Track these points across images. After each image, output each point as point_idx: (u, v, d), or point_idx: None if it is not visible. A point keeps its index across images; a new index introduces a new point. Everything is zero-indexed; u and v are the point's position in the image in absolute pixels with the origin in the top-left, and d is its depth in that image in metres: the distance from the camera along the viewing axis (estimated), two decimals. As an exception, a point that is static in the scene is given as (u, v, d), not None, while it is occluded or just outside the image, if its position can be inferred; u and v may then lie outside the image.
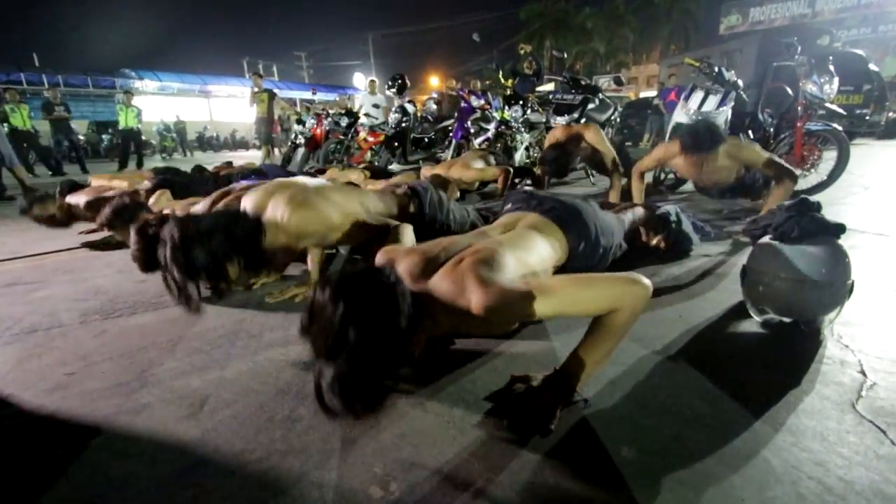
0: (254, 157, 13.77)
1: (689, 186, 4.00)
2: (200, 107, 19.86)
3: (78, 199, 2.66)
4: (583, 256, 1.35)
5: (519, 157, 4.97)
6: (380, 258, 1.12)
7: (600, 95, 4.54)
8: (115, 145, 12.82)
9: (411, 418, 0.98)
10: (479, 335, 1.24)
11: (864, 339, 1.26)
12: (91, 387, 1.13)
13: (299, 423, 0.97)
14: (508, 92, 4.87)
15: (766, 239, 1.37)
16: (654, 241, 2.08)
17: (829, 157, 3.39)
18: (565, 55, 7.49)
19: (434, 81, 35.26)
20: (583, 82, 4.46)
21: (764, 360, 1.18)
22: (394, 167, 6.09)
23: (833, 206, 3.20)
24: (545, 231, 1.27)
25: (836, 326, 1.33)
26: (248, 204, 1.46)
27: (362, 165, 5.46)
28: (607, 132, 5.13)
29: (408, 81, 6.38)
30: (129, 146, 9.00)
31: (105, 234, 2.89)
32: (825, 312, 1.32)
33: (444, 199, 1.91)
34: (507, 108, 4.64)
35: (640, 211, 2.07)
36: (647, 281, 0.91)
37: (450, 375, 1.14)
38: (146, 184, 3.14)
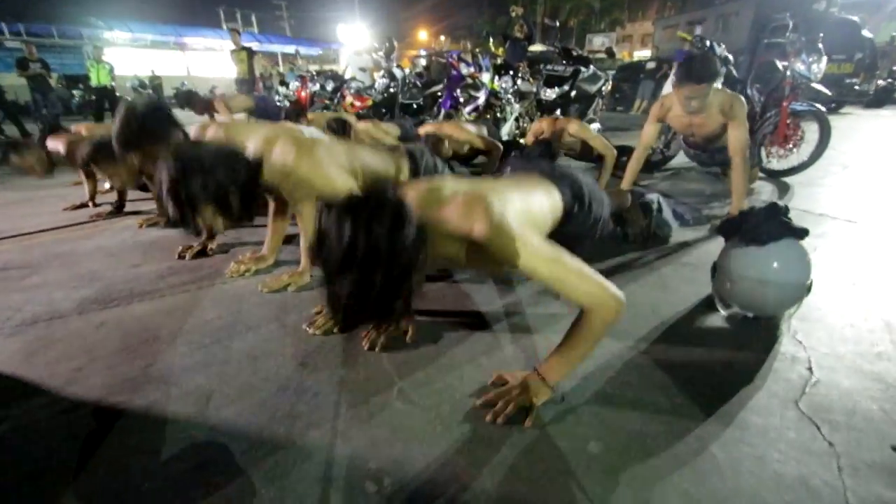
0: (235, 116, 13.30)
1: (675, 162, 4.06)
2: (177, 61, 18.86)
3: (57, 145, 2.62)
4: (577, 219, 1.41)
5: (509, 127, 4.93)
6: None
7: (591, 67, 4.48)
8: (87, 102, 12.25)
9: (402, 414, 1.07)
10: (472, 267, 1.27)
11: (817, 335, 1.38)
12: (99, 382, 1.20)
13: (299, 420, 1.05)
14: (499, 61, 4.76)
15: (735, 240, 1.46)
16: (635, 229, 2.16)
17: (812, 137, 3.45)
18: (557, 24, 7.25)
19: (423, 35, 33.81)
20: (574, 53, 4.39)
21: (724, 358, 1.29)
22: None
23: (810, 187, 3.31)
24: (542, 186, 1.33)
25: (794, 321, 1.45)
26: (251, 142, 1.50)
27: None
28: (598, 103, 5.12)
29: (395, 43, 6.17)
30: (103, 105, 8.61)
31: (91, 208, 2.88)
32: (785, 309, 1.44)
33: (439, 165, 1.92)
34: (497, 78, 4.55)
35: (623, 195, 2.14)
36: (623, 299, 0.99)
37: (439, 370, 1.23)
38: None
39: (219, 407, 1.11)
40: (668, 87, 3.88)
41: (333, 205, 0.85)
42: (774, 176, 3.57)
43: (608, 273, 1.80)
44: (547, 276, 0.97)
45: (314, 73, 7.30)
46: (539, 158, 1.55)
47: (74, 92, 13.63)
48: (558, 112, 4.20)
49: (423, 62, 9.78)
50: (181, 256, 2.05)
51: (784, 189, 3.29)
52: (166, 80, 16.20)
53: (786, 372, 1.21)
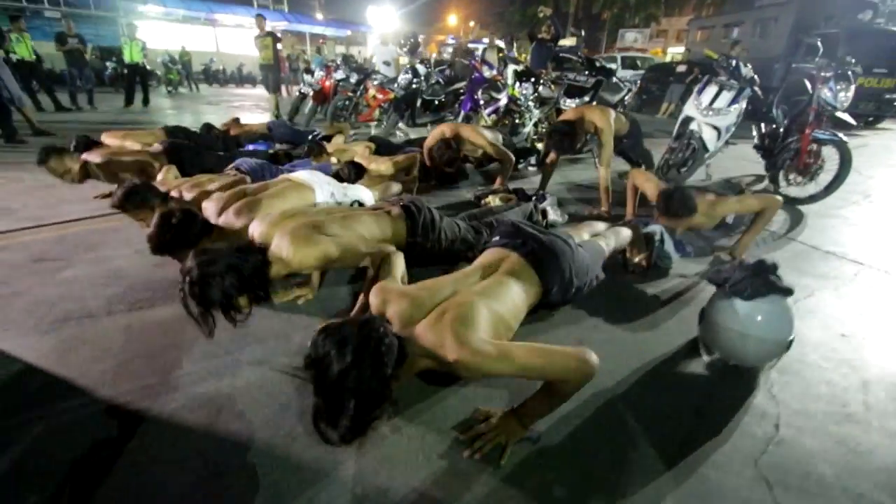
0: (260, 95, 13.47)
1: (694, 179, 4.01)
2: (206, 36, 19.06)
3: (94, 158, 2.79)
4: (557, 294, 1.51)
5: (527, 132, 4.94)
6: (373, 299, 1.27)
7: (614, 78, 4.44)
8: (119, 75, 12.54)
9: (389, 443, 1.18)
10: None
11: (793, 389, 1.44)
12: (125, 387, 1.34)
13: (297, 441, 1.17)
14: (521, 68, 4.75)
15: (723, 290, 1.51)
16: (637, 259, 2.22)
17: (831, 167, 3.40)
18: (583, 33, 7.14)
19: (453, 20, 33.31)
20: (597, 64, 4.36)
21: (698, 406, 1.36)
22: (399, 134, 6.05)
23: (824, 218, 3.28)
24: (522, 276, 1.42)
25: (773, 373, 1.51)
26: (255, 232, 1.64)
27: (370, 134, 5.46)
28: (619, 113, 5.07)
29: (420, 40, 6.17)
30: (134, 80, 8.85)
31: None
32: (764, 363, 1.50)
33: (436, 219, 1.98)
34: (518, 84, 4.56)
35: (626, 233, 2.18)
36: (595, 361, 1.07)
37: (427, 400, 1.33)
38: (157, 147, 3.24)
39: (228, 421, 1.23)
40: (689, 106, 3.85)
41: (329, 331, 0.98)
42: (791, 203, 3.54)
43: (605, 306, 1.89)
44: (520, 374, 1.07)
45: (338, 62, 7.35)
46: (521, 234, 1.59)
47: (108, 64, 13.93)
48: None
49: (449, 50, 9.75)
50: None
51: (797, 219, 3.27)
52: (195, 56, 16.42)
53: (753, 427, 1.28)
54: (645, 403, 1.36)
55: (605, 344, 1.66)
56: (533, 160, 4.40)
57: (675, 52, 24.78)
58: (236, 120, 4.95)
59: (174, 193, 2.49)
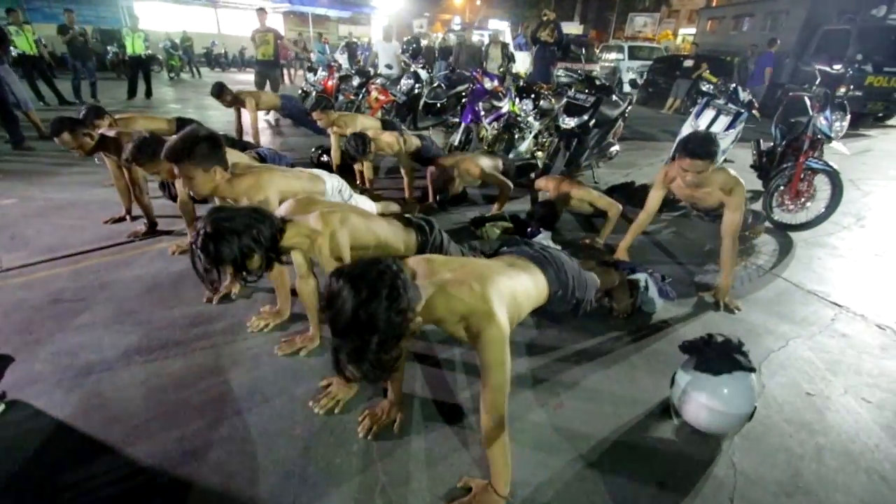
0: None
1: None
2: (208, 18, 18.74)
3: (108, 132, 2.91)
4: (560, 302, 1.65)
5: (527, 146, 4.99)
6: None
7: (613, 96, 4.46)
8: (120, 61, 12.48)
9: (382, 514, 1.33)
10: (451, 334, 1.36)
11: (751, 457, 1.58)
12: (144, 451, 1.49)
13: (300, 513, 1.32)
14: (521, 83, 4.76)
15: (692, 365, 1.63)
16: (622, 305, 2.33)
17: (823, 196, 3.46)
18: (584, 50, 7.06)
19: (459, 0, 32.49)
20: (597, 82, 4.38)
21: (661, 474, 1.50)
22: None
23: (812, 247, 3.38)
24: (532, 272, 1.55)
25: (737, 438, 1.64)
26: (282, 208, 1.76)
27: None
28: (619, 126, 5.10)
29: (423, 44, 6.14)
30: (136, 74, 8.85)
31: (128, 222, 3.16)
32: (727, 433, 1.63)
33: (445, 241, 2.09)
34: (518, 100, 4.58)
35: (612, 275, 2.28)
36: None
37: (417, 466, 1.48)
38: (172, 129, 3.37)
39: (240, 488, 1.38)
40: (686, 129, 3.89)
41: (343, 272, 1.01)
42: (781, 228, 3.62)
43: (588, 359, 2.02)
44: (489, 362, 1.17)
45: (340, 63, 7.32)
46: (528, 245, 1.74)
47: (109, 48, 13.83)
48: (575, 140, 4.24)
49: (456, 31, 9.63)
50: (209, 300, 2.31)
51: (786, 248, 3.36)
52: (197, 39, 16.22)
53: (709, 499, 1.42)
54: (614, 472, 1.50)
55: (587, 403, 1.79)
56: (533, 175, 4.46)
57: (687, 33, 24.20)
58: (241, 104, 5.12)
59: None
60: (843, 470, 1.55)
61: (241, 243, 1.40)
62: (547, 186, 3.31)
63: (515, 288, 1.37)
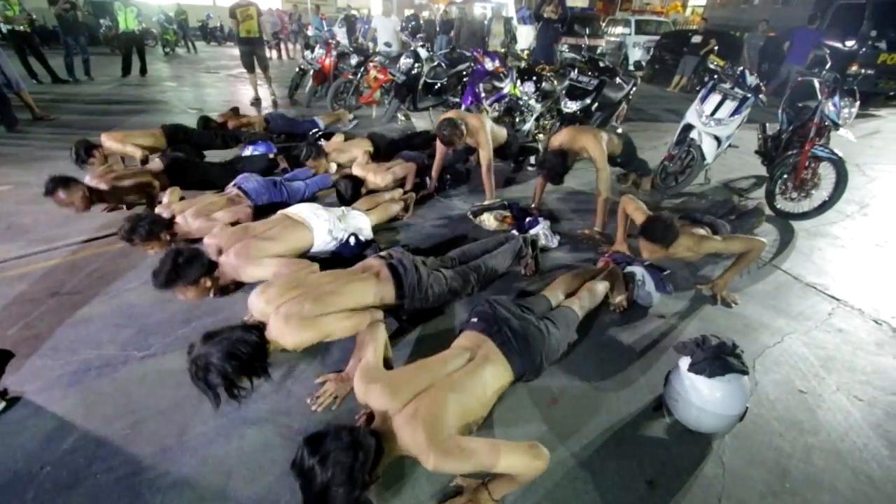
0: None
1: (689, 188, 4.00)
2: (202, -12, 18.21)
3: (97, 184, 2.87)
4: (528, 377, 1.68)
5: (529, 127, 4.90)
6: (358, 384, 1.45)
7: (617, 78, 4.35)
8: (114, 35, 12.17)
9: (376, 513, 1.36)
10: None
11: (741, 455, 1.61)
12: (145, 450, 1.52)
13: (296, 512, 1.35)
14: (523, 65, 4.63)
15: (685, 366, 1.64)
16: (618, 300, 2.33)
17: (827, 185, 3.41)
18: (587, 31, 6.83)
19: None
20: (601, 63, 4.25)
21: (652, 476, 1.53)
22: (401, 118, 5.98)
23: (813, 237, 3.35)
24: (496, 363, 1.58)
25: (727, 437, 1.66)
26: (253, 309, 1.78)
27: (370, 115, 5.42)
28: (622, 108, 5.00)
29: (422, 22, 5.95)
30: (131, 51, 8.64)
31: (125, 211, 3.14)
32: (718, 433, 1.65)
33: (423, 277, 2.04)
34: (520, 82, 4.47)
35: (601, 289, 2.22)
36: (546, 455, 1.25)
37: (412, 463, 1.51)
38: (157, 163, 3.28)
39: (238, 487, 1.42)
40: (691, 113, 3.80)
41: (315, 445, 1.12)
42: (783, 217, 3.58)
43: (583, 355, 2.03)
44: (481, 471, 1.24)
45: (338, 40, 7.11)
46: (497, 321, 1.73)
47: (101, 21, 13.47)
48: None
49: (458, 3, 9.32)
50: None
51: (787, 238, 3.33)
52: (191, 11, 15.78)
53: (697, 498, 1.45)
54: (604, 470, 1.53)
55: (580, 400, 1.81)
56: (533, 160, 4.40)
57: (697, 3, 23.34)
58: (234, 110, 4.94)
59: (179, 220, 2.60)
60: (830, 469, 1.58)
61: (228, 372, 1.45)
62: (560, 139, 3.16)
63: (468, 404, 1.40)
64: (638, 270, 2.37)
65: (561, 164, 3.04)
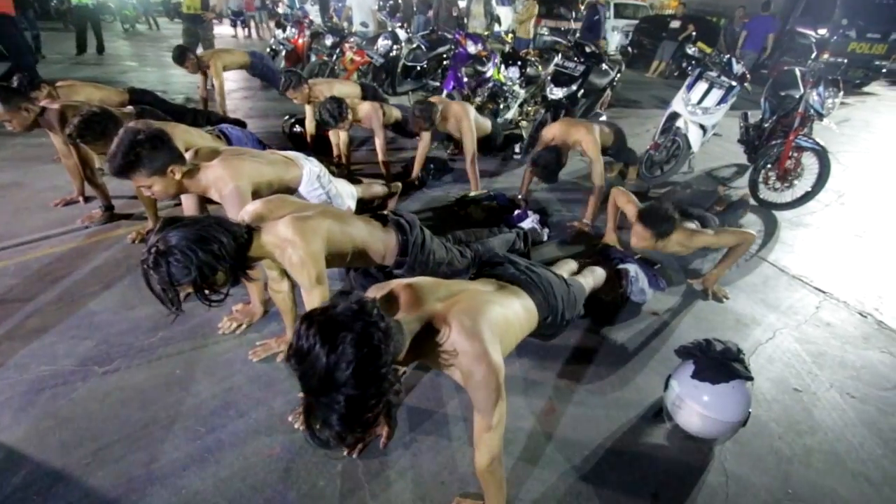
0: (227, 35, 12.38)
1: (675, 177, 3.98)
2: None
3: (51, 104, 2.58)
4: (548, 327, 1.59)
5: (512, 114, 4.78)
6: (373, 291, 1.22)
7: (603, 64, 4.25)
8: (67, 10, 11.30)
9: (370, 544, 1.26)
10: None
11: (743, 461, 1.57)
12: (109, 483, 1.36)
13: (282, 547, 1.24)
14: (507, 49, 4.48)
15: (688, 371, 1.58)
16: (611, 298, 2.27)
17: (810, 175, 3.42)
18: (574, 13, 6.66)
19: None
20: (587, 49, 4.14)
21: (655, 488, 1.48)
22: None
23: (796, 227, 3.39)
24: (522, 299, 1.47)
25: (728, 443, 1.63)
26: (248, 210, 1.54)
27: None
28: (607, 95, 4.92)
29: (400, 2, 5.69)
30: (85, 26, 7.99)
31: (82, 204, 2.88)
32: (720, 440, 1.61)
33: (427, 240, 1.94)
34: (503, 67, 4.32)
35: (600, 271, 2.21)
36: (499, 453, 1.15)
37: (406, 485, 1.41)
38: (129, 109, 3.02)
39: (213, 521, 1.29)
40: (677, 101, 3.75)
41: (314, 319, 0.86)
42: (766, 207, 3.60)
43: (579, 359, 1.96)
44: (482, 405, 1.07)
45: (311, 19, 6.77)
46: (513, 264, 1.62)
47: (54, -6, 12.49)
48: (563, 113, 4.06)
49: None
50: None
51: (771, 229, 3.35)
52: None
53: (703, 511, 1.41)
54: (607, 485, 1.47)
55: (578, 407, 1.75)
56: (517, 147, 4.29)
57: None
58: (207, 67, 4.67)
59: None
60: (830, 472, 1.56)
61: (199, 260, 1.20)
62: (551, 132, 3.06)
63: (508, 316, 1.27)
64: (631, 267, 2.31)
65: (556, 160, 2.92)
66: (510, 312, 1.30)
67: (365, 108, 3.30)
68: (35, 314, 2.01)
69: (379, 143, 3.29)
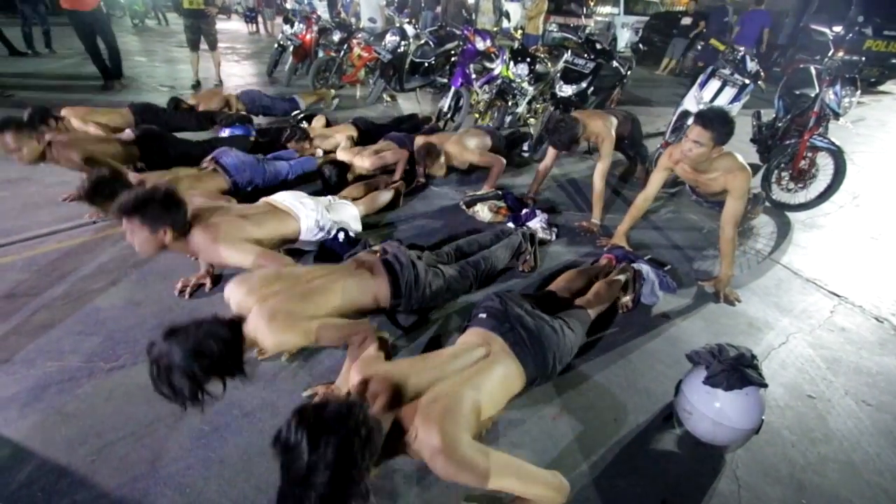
0: (236, 32, 12.39)
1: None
2: (171, -45, 17.09)
3: (58, 140, 2.61)
4: (538, 382, 1.55)
5: (520, 111, 4.73)
6: (356, 375, 1.26)
7: (614, 62, 4.19)
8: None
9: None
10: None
11: (755, 470, 1.54)
12: (113, 481, 1.36)
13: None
14: (516, 45, 4.42)
15: (699, 377, 1.55)
16: (624, 300, 2.23)
17: (825, 175, 3.35)
18: (584, 9, 6.58)
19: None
20: (598, 46, 4.08)
21: (665, 492, 1.45)
22: (386, 98, 5.73)
23: (810, 229, 3.31)
24: (508, 365, 1.43)
25: (740, 451, 1.59)
26: (231, 299, 1.55)
27: (355, 95, 5.19)
28: (617, 92, 4.86)
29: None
30: (93, 36, 7.67)
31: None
32: (733, 445, 1.57)
33: (420, 275, 1.89)
34: (512, 64, 4.27)
35: (613, 288, 2.12)
36: (566, 486, 1.14)
37: (409, 484, 1.39)
38: (128, 133, 3.04)
39: (217, 521, 1.28)
40: (689, 99, 3.68)
41: (304, 416, 0.92)
42: (779, 208, 3.53)
43: (585, 354, 1.93)
44: (494, 489, 1.09)
45: (319, 14, 6.73)
46: (508, 318, 1.57)
47: (62, -12, 12.55)
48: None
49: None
50: (181, 293, 2.13)
51: (784, 231, 3.29)
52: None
53: (715, 521, 1.38)
54: (616, 490, 1.44)
55: (587, 411, 1.72)
56: (526, 146, 4.25)
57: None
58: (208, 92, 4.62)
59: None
60: (845, 483, 1.52)
61: (197, 377, 1.24)
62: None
63: (481, 402, 1.25)
64: (643, 268, 2.27)
65: (573, 126, 2.84)
66: (486, 396, 1.28)
67: (364, 162, 3.23)
68: (42, 309, 2.01)
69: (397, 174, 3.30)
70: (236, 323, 1.43)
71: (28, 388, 1.64)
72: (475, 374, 1.34)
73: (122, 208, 1.65)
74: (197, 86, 5.95)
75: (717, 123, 2.19)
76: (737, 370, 1.48)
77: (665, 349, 2.05)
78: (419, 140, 3.28)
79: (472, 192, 3.23)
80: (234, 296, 1.56)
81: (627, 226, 2.70)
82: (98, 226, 2.68)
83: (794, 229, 3.31)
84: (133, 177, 2.47)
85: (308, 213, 2.27)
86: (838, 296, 2.54)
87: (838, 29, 8.94)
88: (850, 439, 1.68)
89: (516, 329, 1.51)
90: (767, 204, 3.47)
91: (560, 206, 3.36)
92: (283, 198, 2.31)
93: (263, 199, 2.33)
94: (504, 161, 3.30)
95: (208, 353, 1.26)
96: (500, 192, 3.19)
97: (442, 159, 3.18)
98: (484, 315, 1.59)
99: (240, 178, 2.77)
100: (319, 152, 3.51)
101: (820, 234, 3.28)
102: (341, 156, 3.30)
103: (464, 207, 3.13)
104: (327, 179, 3.07)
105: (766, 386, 1.49)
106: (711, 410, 1.50)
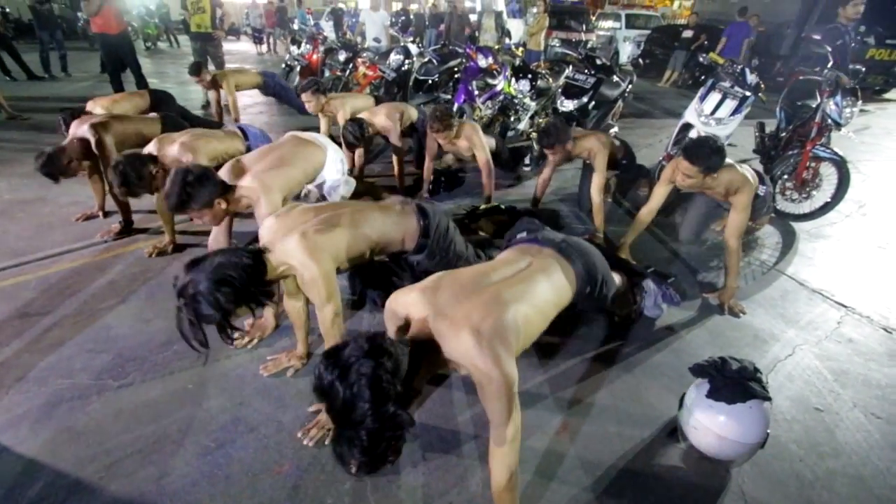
0: (246, 52, 12.72)
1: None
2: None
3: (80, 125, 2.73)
4: (587, 299, 1.55)
5: (523, 126, 4.78)
6: (390, 303, 1.31)
7: (614, 76, 4.24)
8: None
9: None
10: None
11: (762, 486, 1.52)
12: (121, 497, 1.38)
13: (289, 566, 1.23)
14: (518, 62, 4.50)
15: (703, 390, 1.54)
16: (626, 312, 2.23)
17: (828, 186, 3.35)
18: (584, 26, 6.70)
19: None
20: (598, 61, 4.14)
21: (670, 509, 1.44)
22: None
23: (816, 239, 3.30)
24: (555, 271, 1.43)
25: (746, 465, 1.57)
26: (264, 229, 1.63)
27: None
28: (619, 106, 4.90)
29: (412, 17, 5.79)
30: (117, 61, 7.67)
31: (101, 219, 2.96)
32: (739, 460, 1.56)
33: (451, 228, 1.97)
34: (514, 80, 4.34)
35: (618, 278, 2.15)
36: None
37: (416, 502, 1.40)
38: (154, 115, 3.24)
39: (222, 538, 1.29)
40: (690, 112, 3.71)
41: (333, 360, 0.97)
42: (782, 217, 3.52)
43: (589, 367, 1.93)
44: (495, 417, 1.08)
45: (325, 35, 6.91)
46: (548, 232, 1.59)
47: (79, 14, 13.03)
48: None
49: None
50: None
51: (789, 241, 3.28)
52: (173, 4, 15.24)
53: (721, 537, 1.36)
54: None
55: (591, 425, 1.71)
56: (527, 160, 4.29)
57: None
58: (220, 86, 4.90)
59: (171, 149, 2.43)
60: (855, 498, 1.50)
61: (223, 302, 1.28)
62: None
63: (528, 314, 1.24)
64: (645, 280, 2.27)
65: (561, 130, 2.91)
66: (531, 306, 1.25)
67: (381, 120, 3.36)
68: (54, 328, 2.06)
69: (396, 157, 3.36)
70: (257, 252, 1.46)
71: (40, 405, 1.67)
72: (521, 283, 1.32)
73: (174, 207, 1.80)
74: (207, 106, 6.10)
75: (704, 157, 2.17)
76: (740, 383, 1.48)
77: (670, 362, 2.04)
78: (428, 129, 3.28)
79: (475, 206, 3.25)
80: (269, 226, 1.63)
81: (630, 238, 2.71)
82: (108, 245, 2.75)
83: (799, 239, 3.30)
84: (153, 145, 2.48)
85: (333, 152, 2.39)
86: (845, 306, 2.52)
87: (840, 42, 8.98)
88: (860, 453, 1.66)
89: (562, 240, 1.53)
90: (773, 214, 3.46)
91: (562, 219, 3.38)
92: (309, 133, 2.45)
93: (290, 133, 2.45)
94: (492, 167, 3.29)
95: (231, 280, 1.30)
96: (502, 207, 3.21)
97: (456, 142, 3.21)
98: (524, 233, 1.61)
99: (255, 146, 2.82)
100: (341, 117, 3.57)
101: (826, 243, 3.26)
102: (365, 115, 3.38)
103: (467, 222, 3.15)
104: (352, 134, 3.15)
105: (769, 399, 1.48)
106: (716, 424, 1.49)
